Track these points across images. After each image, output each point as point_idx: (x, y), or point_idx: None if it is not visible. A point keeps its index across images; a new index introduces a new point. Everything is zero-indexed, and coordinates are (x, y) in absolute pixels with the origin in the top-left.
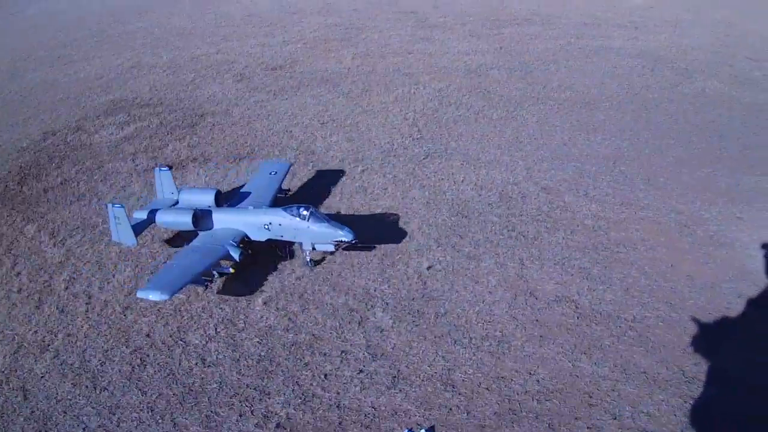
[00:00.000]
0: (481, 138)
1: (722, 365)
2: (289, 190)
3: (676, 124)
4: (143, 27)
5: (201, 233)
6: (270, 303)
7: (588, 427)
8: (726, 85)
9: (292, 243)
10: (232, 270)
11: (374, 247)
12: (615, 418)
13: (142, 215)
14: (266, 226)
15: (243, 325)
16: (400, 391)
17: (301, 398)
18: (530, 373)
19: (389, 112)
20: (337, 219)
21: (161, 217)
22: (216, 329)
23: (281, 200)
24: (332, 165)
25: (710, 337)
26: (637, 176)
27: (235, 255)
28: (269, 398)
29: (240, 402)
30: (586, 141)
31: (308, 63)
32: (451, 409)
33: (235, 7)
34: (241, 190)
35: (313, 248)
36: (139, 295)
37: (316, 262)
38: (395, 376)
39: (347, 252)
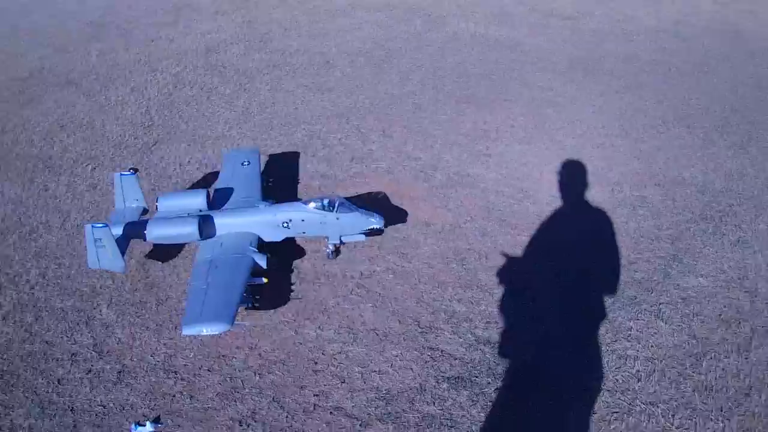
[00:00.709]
0: (211, 116)
1: (456, 308)
2: (272, 179)
3: (420, 70)
4: None
5: (204, 244)
6: (8, 317)
7: (315, 395)
8: (479, 25)
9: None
10: (265, 280)
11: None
12: (343, 382)
13: (115, 231)
14: (285, 224)
15: None
16: (126, 385)
17: (39, 407)
18: (251, 348)
19: (125, 103)
20: None
21: (155, 231)
22: None
23: (269, 191)
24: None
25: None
26: (372, 130)
27: (262, 262)
28: (12, 411)
29: None
30: (319, 101)
31: None
32: (174, 396)
33: None
34: (216, 187)
35: (341, 242)
36: (187, 332)
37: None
38: (120, 371)
39: (72, 253)
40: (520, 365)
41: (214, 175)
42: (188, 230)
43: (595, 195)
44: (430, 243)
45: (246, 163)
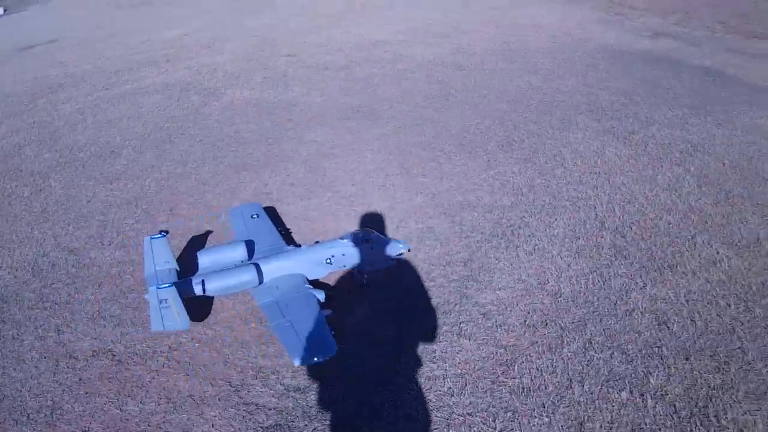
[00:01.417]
0: (13, 219)
1: (261, 363)
2: (288, 228)
3: (200, 144)
4: None
5: (258, 290)
6: None
7: None
8: (254, 91)
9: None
10: (330, 311)
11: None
12: None
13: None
14: (328, 261)
15: None
16: None
17: None
18: (83, 430)
19: None
20: None
21: (213, 284)
22: None
23: (288, 237)
24: None
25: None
26: (159, 210)
27: (321, 297)
28: None
29: None
30: (109, 191)
31: None
32: None
33: None
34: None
35: (371, 268)
36: (299, 363)
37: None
38: None
39: None
40: (332, 404)
41: None
42: (247, 278)
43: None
44: (228, 307)
45: (255, 216)
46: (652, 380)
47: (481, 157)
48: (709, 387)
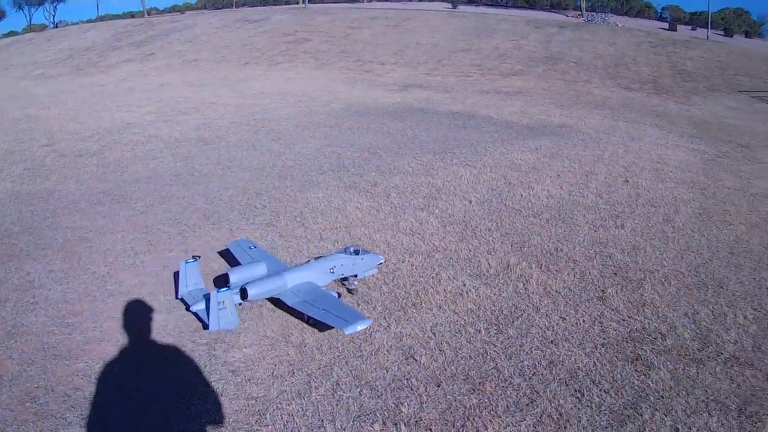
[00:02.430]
0: None
1: None
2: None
3: None
4: None
5: (284, 294)
6: None
7: None
8: (15, 183)
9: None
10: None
11: None
12: None
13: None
14: (331, 270)
15: None
16: None
17: None
18: None
19: None
20: None
21: (254, 291)
22: None
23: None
24: None
25: None
26: None
27: (335, 294)
28: None
29: None
30: None
31: None
32: None
33: None
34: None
35: (361, 275)
36: (350, 331)
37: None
38: None
39: None
40: None
41: None
42: (279, 284)
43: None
44: None
45: (252, 248)
46: (404, 409)
47: (224, 227)
48: (466, 407)
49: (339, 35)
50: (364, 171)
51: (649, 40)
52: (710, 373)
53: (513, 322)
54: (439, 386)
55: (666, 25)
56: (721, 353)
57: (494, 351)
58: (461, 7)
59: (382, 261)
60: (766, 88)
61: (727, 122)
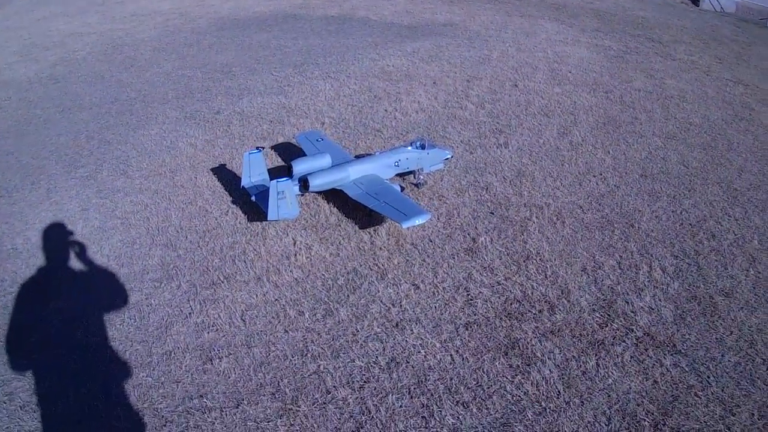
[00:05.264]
0: None
1: None
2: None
3: None
4: None
5: (347, 186)
6: None
7: None
8: None
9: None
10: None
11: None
12: None
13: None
14: (396, 164)
15: None
16: None
17: None
18: None
19: None
20: None
21: (317, 181)
22: None
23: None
24: None
25: None
26: None
27: (398, 188)
28: None
29: None
30: None
31: None
32: None
33: None
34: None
35: (430, 171)
36: (407, 225)
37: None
38: None
39: None
40: None
41: None
42: (341, 176)
43: None
44: None
45: (320, 140)
46: None
47: (42, 187)
48: None
49: None
50: (210, 95)
51: None
52: (615, 366)
53: (348, 296)
54: (238, 407)
55: None
56: (631, 330)
57: (318, 346)
58: None
59: (450, 156)
60: None
61: (635, 14)
